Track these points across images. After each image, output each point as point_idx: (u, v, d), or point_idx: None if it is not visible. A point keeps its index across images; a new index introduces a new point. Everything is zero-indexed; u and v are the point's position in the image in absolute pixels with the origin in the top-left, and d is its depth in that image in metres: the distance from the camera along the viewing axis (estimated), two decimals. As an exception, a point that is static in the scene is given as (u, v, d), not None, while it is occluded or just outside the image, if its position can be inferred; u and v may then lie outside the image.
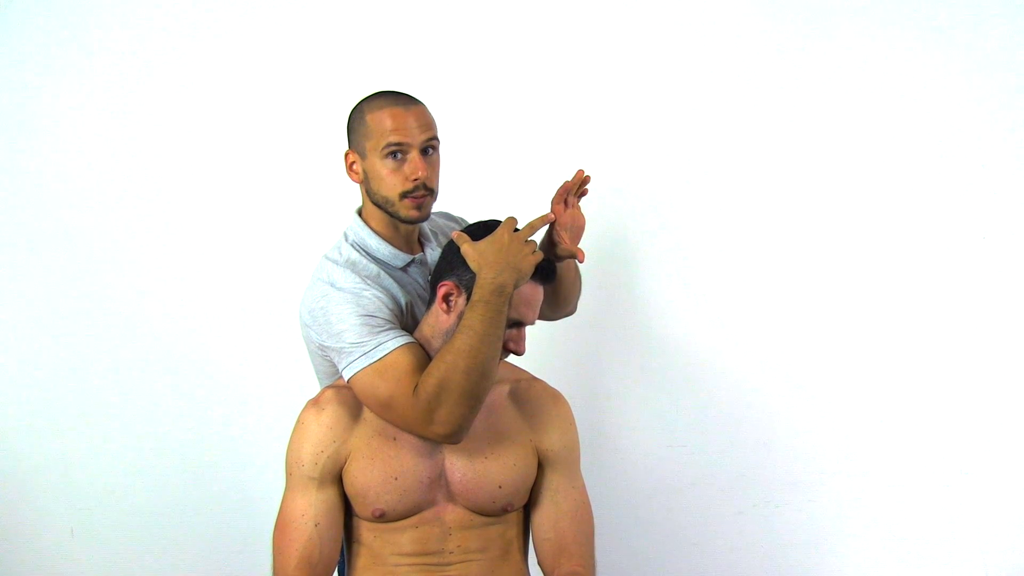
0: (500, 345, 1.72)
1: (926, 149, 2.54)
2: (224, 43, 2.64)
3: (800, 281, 2.59)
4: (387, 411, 1.76)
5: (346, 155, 1.90)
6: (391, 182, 1.83)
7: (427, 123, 1.84)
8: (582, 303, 2.57)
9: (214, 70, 2.64)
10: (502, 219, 1.76)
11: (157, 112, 2.64)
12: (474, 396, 1.70)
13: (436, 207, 1.94)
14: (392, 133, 1.82)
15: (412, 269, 1.92)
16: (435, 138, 1.85)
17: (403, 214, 1.85)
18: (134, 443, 2.68)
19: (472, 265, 1.71)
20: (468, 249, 1.72)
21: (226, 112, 2.65)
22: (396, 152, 1.82)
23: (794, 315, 2.59)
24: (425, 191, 1.84)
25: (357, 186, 1.92)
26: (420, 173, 1.82)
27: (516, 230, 1.73)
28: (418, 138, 1.82)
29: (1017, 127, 2.52)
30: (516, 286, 1.70)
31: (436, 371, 1.70)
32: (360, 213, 1.94)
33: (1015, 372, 2.54)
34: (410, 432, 1.77)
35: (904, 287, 2.56)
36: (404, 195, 1.83)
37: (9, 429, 2.67)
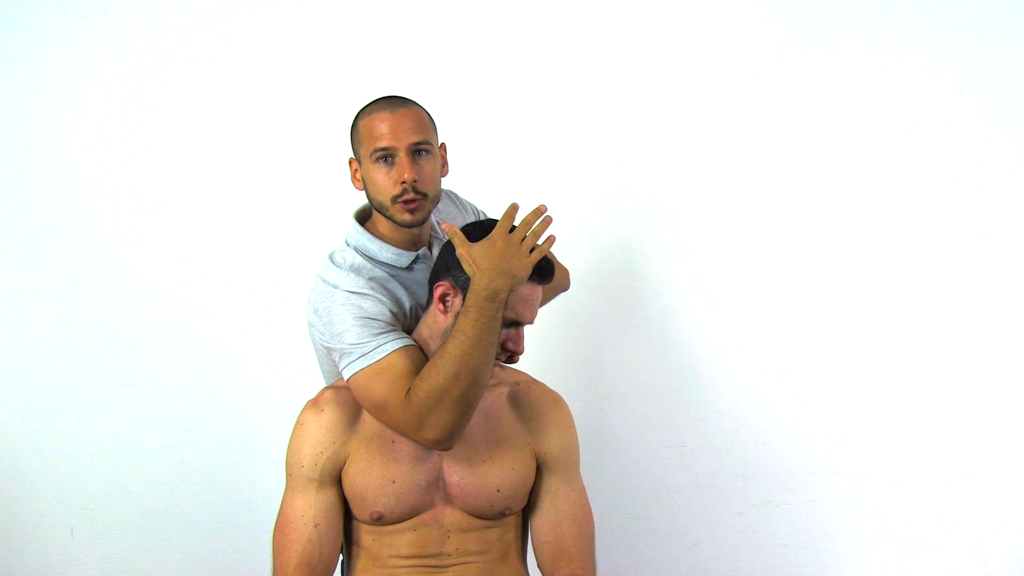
0: (494, 351, 1.70)
1: (926, 150, 2.54)
2: (229, 46, 2.64)
3: (800, 280, 2.59)
4: (381, 413, 1.76)
5: (349, 163, 1.90)
6: (383, 186, 1.83)
7: (416, 126, 1.82)
8: (583, 303, 2.58)
9: (219, 72, 2.64)
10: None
11: (162, 110, 2.64)
12: (465, 402, 1.69)
13: (445, 184, 1.93)
14: (379, 138, 1.81)
15: (419, 266, 1.91)
16: (426, 141, 1.83)
17: (398, 219, 1.84)
18: (134, 443, 2.68)
19: (466, 269, 1.70)
20: (463, 252, 1.71)
21: (231, 112, 2.65)
22: (385, 156, 1.82)
23: (794, 315, 2.59)
24: (416, 195, 1.82)
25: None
26: (406, 176, 1.80)
27: (514, 227, 1.71)
28: (405, 141, 1.81)
29: (1017, 127, 2.52)
30: (511, 290, 1.69)
31: (428, 376, 1.69)
32: (360, 218, 1.93)
33: (1015, 372, 2.54)
34: (403, 435, 1.77)
35: (904, 287, 2.56)
36: (395, 199, 1.82)
37: (9, 429, 2.67)
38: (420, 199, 1.83)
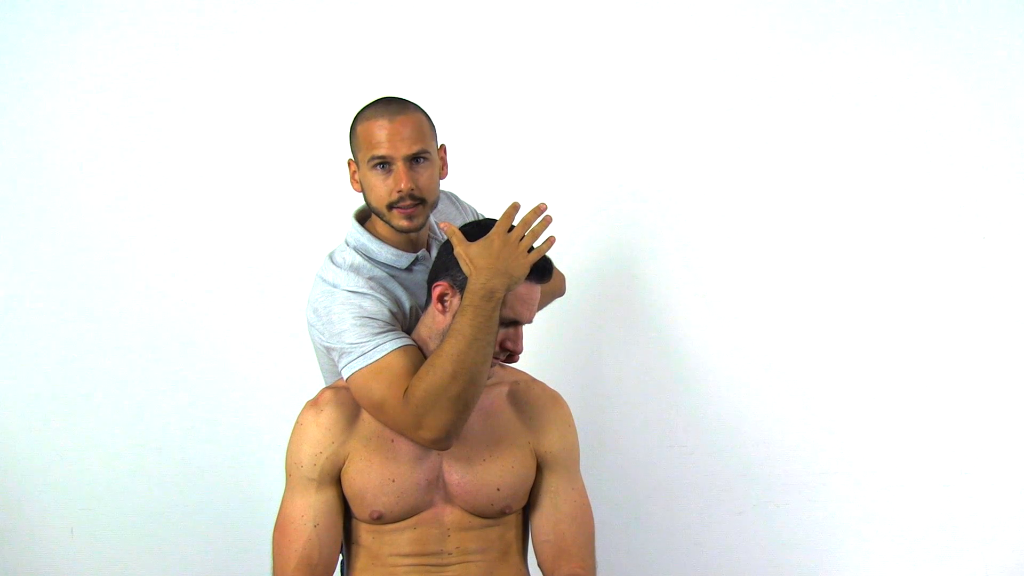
0: (491, 350, 1.70)
1: (926, 150, 2.54)
2: (228, 45, 2.64)
3: (800, 281, 2.59)
4: (379, 413, 1.76)
5: (348, 164, 1.90)
6: (379, 193, 1.83)
7: (415, 134, 1.82)
8: (583, 303, 2.58)
9: (219, 71, 2.64)
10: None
11: (162, 110, 2.64)
12: (462, 401, 1.69)
13: (445, 186, 1.93)
14: (377, 145, 1.81)
15: (418, 267, 1.91)
16: (424, 148, 1.82)
17: (394, 224, 1.85)
18: (134, 443, 2.68)
19: (464, 268, 1.70)
20: (460, 251, 1.71)
21: (231, 112, 2.65)
22: (382, 164, 1.82)
23: (794, 315, 2.59)
24: (413, 201, 1.82)
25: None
26: (403, 186, 1.80)
27: (512, 227, 1.71)
28: (402, 151, 1.81)
29: (1017, 127, 2.52)
30: (508, 290, 1.69)
31: (425, 375, 1.69)
32: (360, 218, 1.93)
33: (1015, 372, 2.54)
34: (401, 435, 1.77)
35: (904, 287, 2.56)
36: (391, 206, 1.83)
37: (9, 429, 2.67)
38: (418, 205, 1.83)
